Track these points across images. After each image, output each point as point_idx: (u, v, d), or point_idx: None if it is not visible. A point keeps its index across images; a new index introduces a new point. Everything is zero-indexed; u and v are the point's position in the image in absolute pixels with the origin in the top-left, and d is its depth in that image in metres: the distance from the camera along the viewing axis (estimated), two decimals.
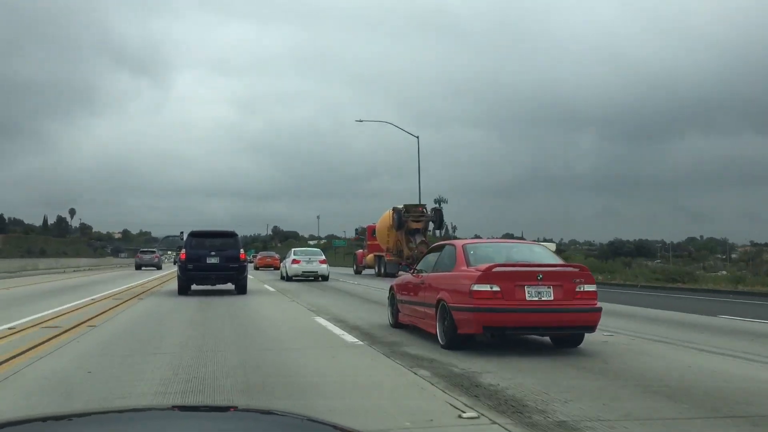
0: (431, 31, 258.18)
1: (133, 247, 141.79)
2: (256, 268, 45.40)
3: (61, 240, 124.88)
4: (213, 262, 17.46)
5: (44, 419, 1.80)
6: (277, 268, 43.17)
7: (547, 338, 8.47)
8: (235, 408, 2.39)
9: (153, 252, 49.48)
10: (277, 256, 47.93)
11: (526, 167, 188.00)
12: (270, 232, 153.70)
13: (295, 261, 26.76)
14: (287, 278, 26.87)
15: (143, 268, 44.98)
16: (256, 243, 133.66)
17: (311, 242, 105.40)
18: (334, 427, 1.77)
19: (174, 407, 2.33)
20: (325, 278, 26.57)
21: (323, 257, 27.53)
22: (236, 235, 18.66)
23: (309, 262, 26.81)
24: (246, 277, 18.35)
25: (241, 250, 18.06)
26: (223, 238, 18.21)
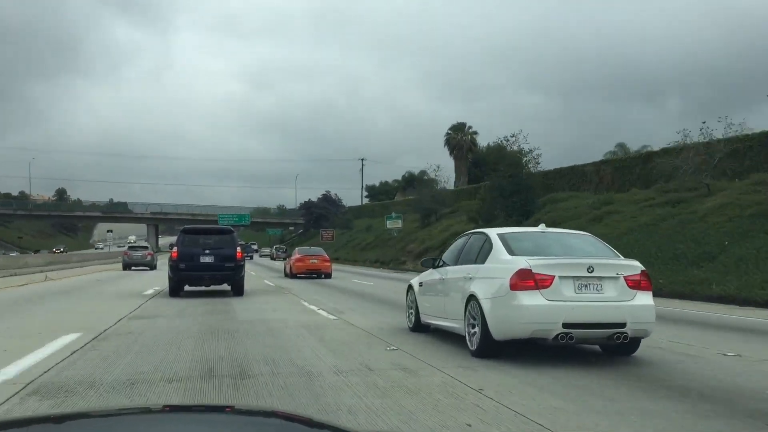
0: None
1: (86, 213, 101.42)
2: (290, 275, 28.06)
3: None
4: (207, 261, 16.61)
5: (39, 420, 1.77)
6: (327, 274, 27.64)
7: None
8: (232, 408, 2.32)
9: (145, 248, 39.84)
10: (325, 254, 29.46)
11: (584, 142, 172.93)
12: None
13: (543, 280, 6.69)
14: (488, 348, 7.07)
15: (132, 268, 36.33)
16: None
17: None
18: (333, 427, 1.71)
19: (166, 407, 2.26)
20: (633, 347, 7.25)
21: (638, 267, 7.09)
22: (233, 231, 18.11)
23: (600, 287, 6.79)
24: (243, 277, 17.43)
25: (238, 248, 17.25)
26: (219, 235, 17.40)
